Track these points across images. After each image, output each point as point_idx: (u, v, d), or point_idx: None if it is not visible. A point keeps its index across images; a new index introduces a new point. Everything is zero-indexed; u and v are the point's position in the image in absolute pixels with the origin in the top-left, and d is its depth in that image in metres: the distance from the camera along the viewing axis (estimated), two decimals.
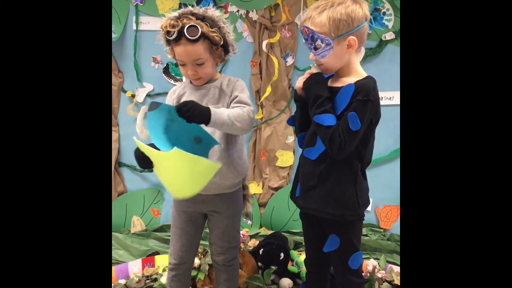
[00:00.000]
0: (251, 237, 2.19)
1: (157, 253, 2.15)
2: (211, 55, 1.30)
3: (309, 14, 1.17)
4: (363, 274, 1.66)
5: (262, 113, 2.28)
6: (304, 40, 1.21)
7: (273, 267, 1.93)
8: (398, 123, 2.08)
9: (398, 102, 2.10)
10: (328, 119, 1.14)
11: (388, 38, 2.11)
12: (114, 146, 2.32)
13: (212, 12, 1.29)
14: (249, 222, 2.33)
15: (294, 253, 2.08)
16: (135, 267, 2.02)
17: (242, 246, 2.04)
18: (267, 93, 2.21)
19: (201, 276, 1.87)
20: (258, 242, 2.10)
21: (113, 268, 1.98)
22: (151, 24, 2.22)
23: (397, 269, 1.97)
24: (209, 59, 1.29)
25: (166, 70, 2.28)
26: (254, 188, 2.34)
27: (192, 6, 1.30)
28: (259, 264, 1.97)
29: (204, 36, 1.25)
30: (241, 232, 1.92)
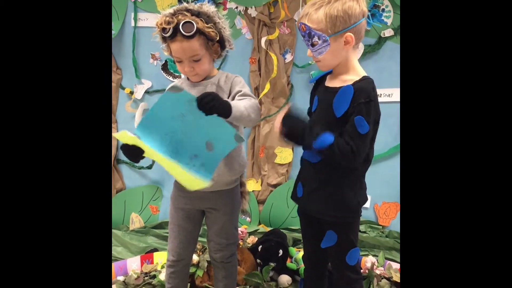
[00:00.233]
0: (250, 234, 2.19)
1: (156, 250, 2.16)
2: (207, 51, 1.30)
3: (306, 10, 1.17)
4: (361, 271, 1.67)
5: (261, 110, 2.28)
6: (302, 37, 1.21)
7: (272, 264, 1.94)
8: (397, 120, 2.08)
9: (397, 99, 2.09)
10: (325, 139, 1.12)
11: (387, 35, 2.09)
12: (113, 143, 2.31)
13: (207, 7, 1.29)
14: (248, 219, 2.33)
15: (293, 249, 2.09)
16: (133, 264, 2.03)
17: (241, 243, 2.04)
18: (266, 90, 2.20)
19: (199, 272, 1.87)
20: (256, 239, 2.11)
21: (112, 265, 1.99)
22: (149, 20, 2.21)
23: (395, 266, 1.97)
24: (205, 55, 1.29)
25: (164, 67, 2.27)
26: (253, 185, 2.33)
27: (187, 2, 1.30)
28: (258, 260, 1.97)
29: (199, 32, 1.24)
30: (239, 229, 1.92)
